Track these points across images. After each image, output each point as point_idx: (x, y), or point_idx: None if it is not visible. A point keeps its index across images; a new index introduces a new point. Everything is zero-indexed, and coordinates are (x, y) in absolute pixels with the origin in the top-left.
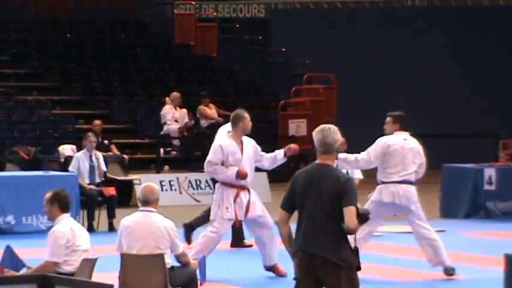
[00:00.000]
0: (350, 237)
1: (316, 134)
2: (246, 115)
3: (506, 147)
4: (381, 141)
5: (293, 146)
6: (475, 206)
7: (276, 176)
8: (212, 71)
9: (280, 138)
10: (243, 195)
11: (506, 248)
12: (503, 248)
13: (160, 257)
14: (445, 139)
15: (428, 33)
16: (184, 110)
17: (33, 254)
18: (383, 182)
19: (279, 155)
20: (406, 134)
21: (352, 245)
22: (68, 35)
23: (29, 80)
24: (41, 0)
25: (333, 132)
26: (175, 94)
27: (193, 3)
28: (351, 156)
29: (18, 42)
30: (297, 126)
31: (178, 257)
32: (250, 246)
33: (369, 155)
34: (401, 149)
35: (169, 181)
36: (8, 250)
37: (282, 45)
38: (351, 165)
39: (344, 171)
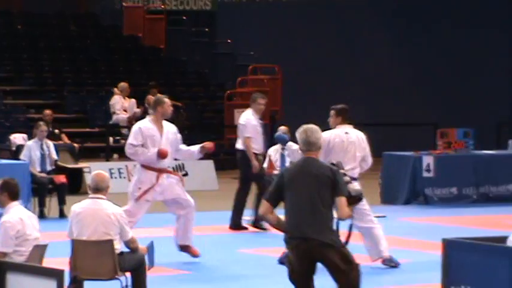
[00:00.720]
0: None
1: (300, 134)
2: (166, 100)
3: (444, 136)
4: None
5: (208, 144)
6: (414, 192)
7: (222, 163)
8: (160, 62)
9: (226, 127)
10: (163, 177)
11: (443, 232)
12: (441, 233)
13: (110, 242)
14: (386, 128)
15: (370, 24)
16: (133, 100)
17: None
18: None
19: (195, 152)
20: (348, 127)
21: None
22: (19, 26)
23: None
24: None
25: (315, 131)
26: (123, 84)
27: None
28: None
29: None
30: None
31: (127, 243)
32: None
33: None
34: (342, 143)
35: (119, 169)
36: None
37: (228, 37)
38: (297, 158)
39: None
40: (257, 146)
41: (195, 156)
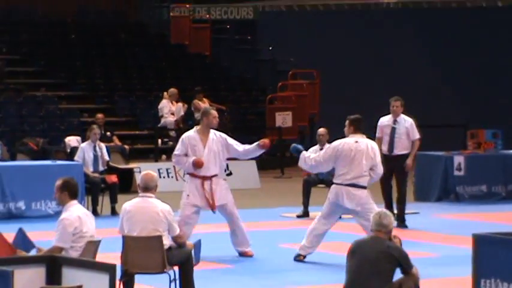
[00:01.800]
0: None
1: (374, 215)
2: (212, 112)
3: (474, 137)
4: (333, 144)
5: (265, 141)
6: (445, 190)
7: (264, 163)
8: (205, 68)
9: (267, 129)
10: (207, 185)
11: (474, 228)
12: (471, 228)
13: (159, 238)
14: (419, 129)
15: (402, 31)
16: (180, 104)
17: (42, 237)
18: (334, 183)
19: (255, 148)
20: (359, 137)
21: None
22: (73, 36)
23: (37, 77)
24: (49, 3)
25: (388, 216)
26: (172, 90)
27: (187, 6)
28: (310, 157)
29: (27, 43)
30: (282, 118)
31: (175, 239)
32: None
33: (319, 158)
34: (350, 151)
35: (167, 169)
36: (21, 232)
37: (269, 44)
38: (307, 165)
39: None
40: None
41: (257, 152)
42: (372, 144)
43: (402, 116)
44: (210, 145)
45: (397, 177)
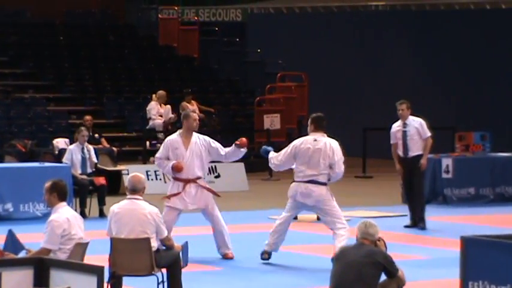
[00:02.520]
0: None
1: (359, 225)
2: (191, 114)
3: (462, 139)
4: (292, 143)
5: (242, 139)
6: (433, 192)
7: (252, 165)
8: (194, 70)
9: (255, 132)
10: (189, 188)
11: (461, 230)
12: (459, 231)
13: (147, 240)
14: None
15: (391, 33)
16: (169, 106)
17: (30, 239)
18: (293, 181)
19: (237, 150)
20: (319, 135)
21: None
22: (61, 38)
23: (25, 79)
24: (37, 5)
25: (373, 226)
26: (161, 92)
27: (176, 8)
28: (275, 157)
29: (15, 44)
30: (271, 121)
31: (163, 241)
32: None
33: (281, 156)
34: (308, 149)
35: (155, 171)
36: (10, 234)
37: (258, 47)
38: (273, 164)
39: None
40: None
41: (238, 153)
42: (332, 143)
43: (411, 117)
44: (193, 148)
45: (413, 178)
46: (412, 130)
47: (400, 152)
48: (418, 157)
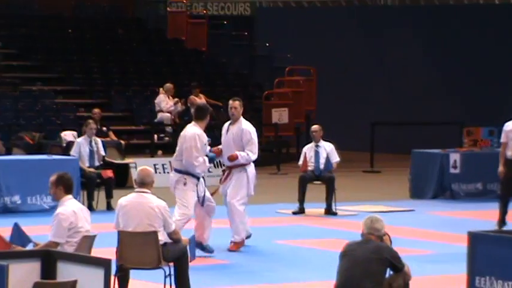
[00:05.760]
0: None
1: (365, 220)
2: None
3: (470, 134)
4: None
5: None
6: (441, 187)
7: (260, 160)
8: (202, 63)
9: (263, 126)
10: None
11: (469, 226)
12: (467, 226)
13: (154, 234)
14: (415, 127)
15: (399, 28)
16: (177, 99)
17: (37, 231)
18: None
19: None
20: (190, 125)
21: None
22: (70, 30)
23: (33, 71)
24: None
25: (380, 220)
26: (168, 85)
27: (184, 1)
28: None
29: (24, 37)
30: (279, 115)
31: (170, 235)
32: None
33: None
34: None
35: (163, 164)
36: (16, 227)
37: (266, 41)
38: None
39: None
40: None
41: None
42: (191, 132)
43: None
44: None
45: None
46: None
47: (510, 153)
48: None
